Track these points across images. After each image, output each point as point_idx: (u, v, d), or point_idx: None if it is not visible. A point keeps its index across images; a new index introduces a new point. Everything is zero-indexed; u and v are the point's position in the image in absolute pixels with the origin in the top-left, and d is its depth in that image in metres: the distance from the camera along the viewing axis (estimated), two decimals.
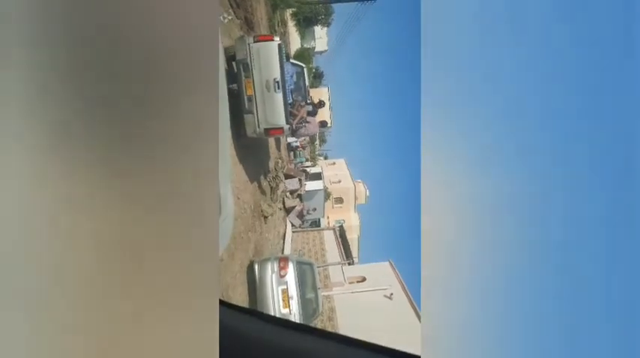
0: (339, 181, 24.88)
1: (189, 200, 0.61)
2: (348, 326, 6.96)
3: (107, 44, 0.58)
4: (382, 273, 9.05)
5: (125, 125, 0.58)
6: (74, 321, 0.54)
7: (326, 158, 30.16)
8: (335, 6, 19.52)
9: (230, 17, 4.78)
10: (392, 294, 7.93)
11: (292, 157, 14.00)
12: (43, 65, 0.56)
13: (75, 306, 0.54)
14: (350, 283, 8.41)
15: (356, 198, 25.52)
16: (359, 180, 26.67)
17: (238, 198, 5.23)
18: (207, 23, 0.63)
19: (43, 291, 0.53)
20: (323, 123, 7.16)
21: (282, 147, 11.29)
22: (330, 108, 23.45)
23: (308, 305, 5.03)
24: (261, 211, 6.57)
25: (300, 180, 10.67)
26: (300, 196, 11.26)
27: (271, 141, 8.32)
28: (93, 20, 0.58)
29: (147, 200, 0.59)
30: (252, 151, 6.30)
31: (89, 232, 0.56)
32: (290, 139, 12.51)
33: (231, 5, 6.40)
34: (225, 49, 5.17)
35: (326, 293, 7.35)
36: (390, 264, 9.55)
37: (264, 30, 9.10)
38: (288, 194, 9.92)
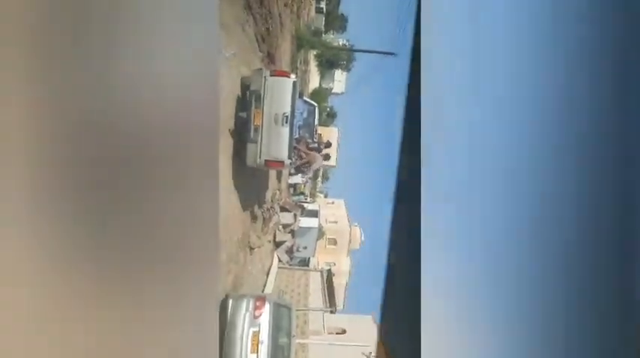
0: (336, 222, 24.58)
1: (190, 207, 0.68)
2: None
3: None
4: (364, 327, 8.58)
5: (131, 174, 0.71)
6: (77, 320, 0.56)
7: (326, 196, 30.10)
8: (357, 54, 20.55)
9: (233, 52, 4.91)
10: (371, 353, 7.44)
11: (292, 192, 13.92)
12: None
13: (77, 306, 0.56)
14: (329, 333, 7.93)
15: (350, 242, 25.05)
16: (355, 224, 26.35)
17: (225, 227, 5.06)
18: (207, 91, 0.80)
19: (45, 290, 0.55)
20: (326, 156, 7.30)
21: (284, 179, 11.26)
22: (338, 147, 23.83)
23: (279, 352, 4.65)
24: (249, 242, 6.36)
25: (295, 215, 10.49)
26: (292, 231, 11.01)
27: (272, 171, 8.29)
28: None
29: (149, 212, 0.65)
30: (250, 180, 6.22)
31: (87, 236, 0.59)
32: (291, 181, 12.52)
33: (257, 39, 6.67)
34: (242, 79, 5.29)
35: (301, 341, 6.89)
36: (373, 318, 9.09)
37: (285, 66, 9.43)
38: (280, 227, 9.69)
